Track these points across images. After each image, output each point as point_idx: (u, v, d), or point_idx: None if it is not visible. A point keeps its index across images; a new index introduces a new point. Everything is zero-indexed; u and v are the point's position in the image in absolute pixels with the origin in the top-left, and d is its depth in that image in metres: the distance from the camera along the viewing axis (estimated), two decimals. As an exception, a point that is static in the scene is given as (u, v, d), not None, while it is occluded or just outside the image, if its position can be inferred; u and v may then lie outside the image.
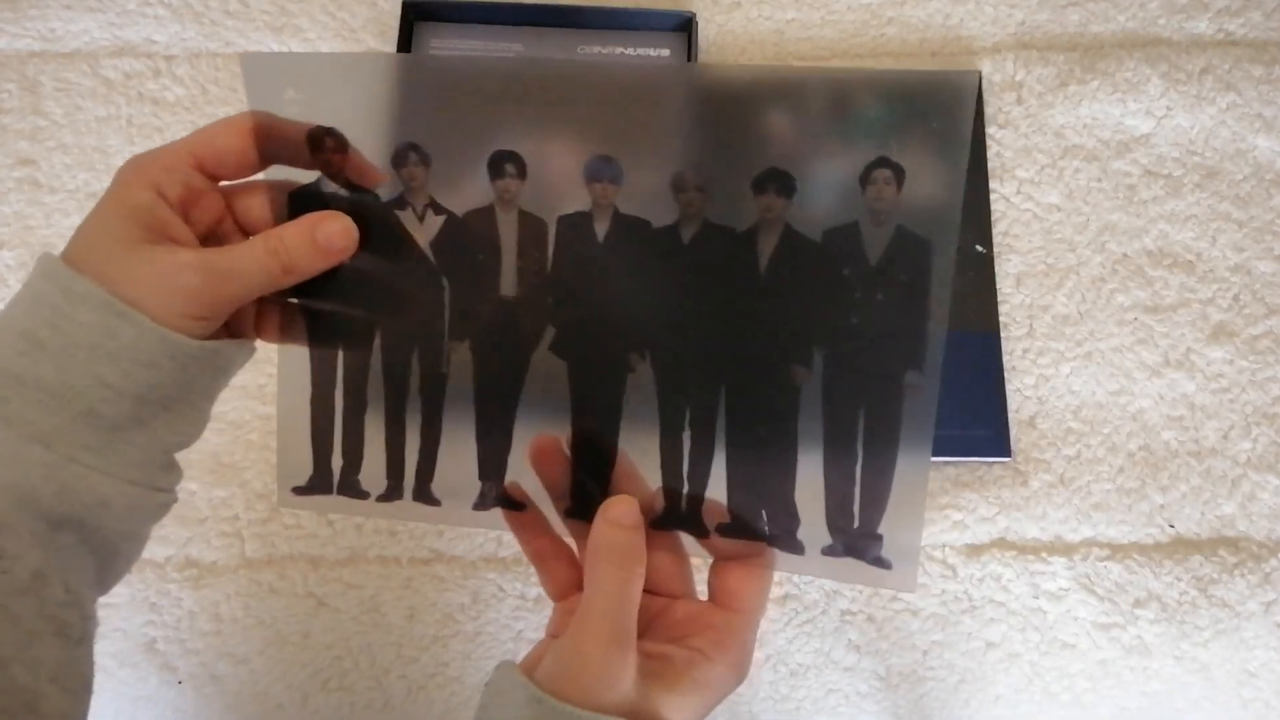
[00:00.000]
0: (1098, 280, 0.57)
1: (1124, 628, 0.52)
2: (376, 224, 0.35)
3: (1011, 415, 0.54)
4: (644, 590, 0.34)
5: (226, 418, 0.55)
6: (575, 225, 0.35)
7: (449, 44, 0.61)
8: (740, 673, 0.36)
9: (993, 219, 0.58)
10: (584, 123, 0.34)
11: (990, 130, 0.59)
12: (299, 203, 0.35)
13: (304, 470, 0.38)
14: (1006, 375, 0.55)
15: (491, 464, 0.37)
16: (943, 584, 0.52)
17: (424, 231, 0.36)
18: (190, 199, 0.34)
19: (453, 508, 0.38)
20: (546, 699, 0.31)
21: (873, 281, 0.33)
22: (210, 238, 0.35)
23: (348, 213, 0.35)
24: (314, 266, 0.35)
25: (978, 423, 0.54)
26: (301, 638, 0.52)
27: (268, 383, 0.56)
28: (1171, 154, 0.59)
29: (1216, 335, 0.56)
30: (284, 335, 0.38)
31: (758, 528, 0.36)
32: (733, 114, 0.33)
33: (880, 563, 0.35)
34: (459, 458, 0.37)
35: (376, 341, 0.37)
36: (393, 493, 0.38)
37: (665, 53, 0.60)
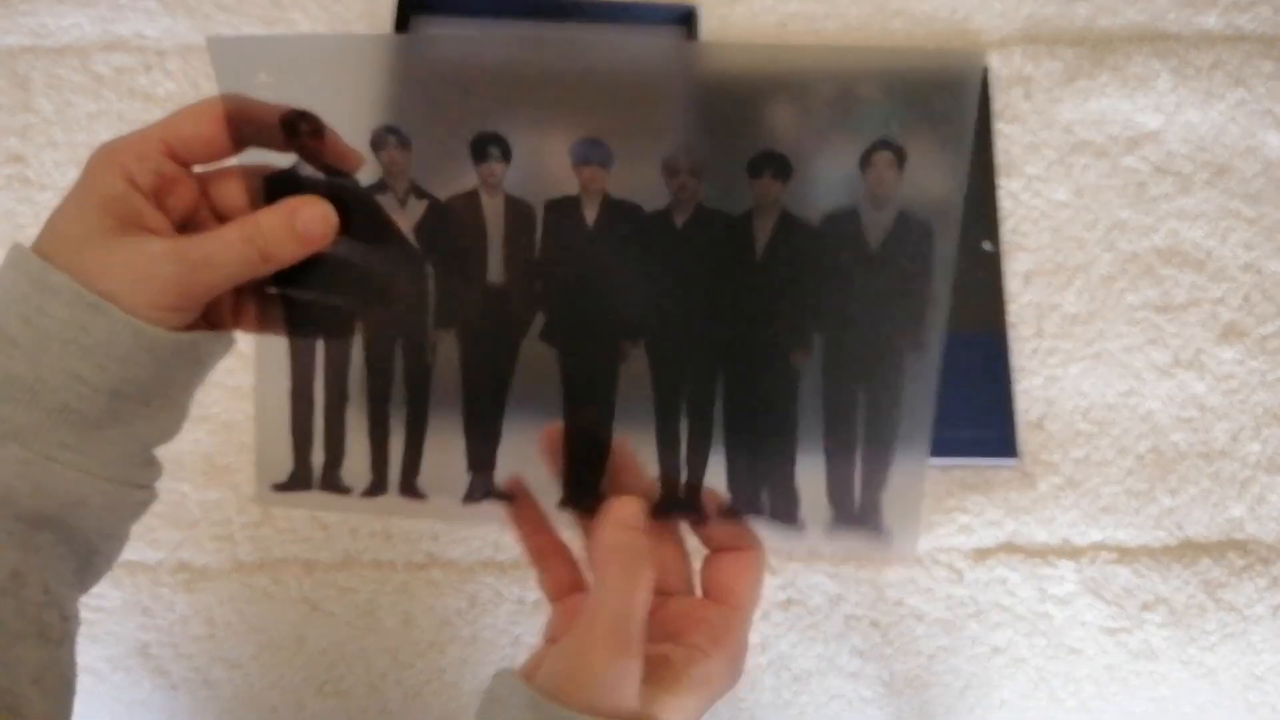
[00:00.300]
0: (1107, 279, 0.56)
1: (1131, 632, 0.51)
2: (357, 209, 0.34)
3: (1019, 416, 0.54)
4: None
5: (218, 419, 0.54)
6: (563, 210, 0.34)
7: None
8: (737, 668, 0.35)
9: (1000, 216, 0.57)
10: (571, 104, 0.34)
11: (998, 126, 0.59)
12: (275, 188, 0.35)
13: (284, 466, 0.37)
14: (1014, 375, 0.54)
15: (480, 456, 0.36)
16: (948, 588, 0.52)
17: (406, 217, 0.35)
18: (163, 186, 0.33)
19: (441, 502, 0.37)
20: (548, 705, 0.31)
21: (873, 266, 0.32)
22: (186, 225, 0.34)
23: (327, 198, 0.34)
24: (292, 254, 0.34)
25: (984, 424, 0.53)
26: (296, 642, 0.51)
27: (262, 383, 0.55)
28: (1181, 150, 0.58)
29: (1227, 335, 0.55)
30: (262, 325, 0.37)
31: (758, 509, 0.35)
32: (727, 96, 0.33)
33: (880, 533, 0.35)
34: (446, 451, 0.36)
35: (358, 331, 0.36)
36: (377, 487, 0.37)
37: (665, 46, 0.59)
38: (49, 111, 0.60)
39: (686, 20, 0.59)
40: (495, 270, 0.35)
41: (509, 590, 0.52)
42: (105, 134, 0.59)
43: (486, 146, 0.33)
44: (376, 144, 0.34)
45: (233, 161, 0.35)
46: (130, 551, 0.37)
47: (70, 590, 0.33)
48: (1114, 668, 0.51)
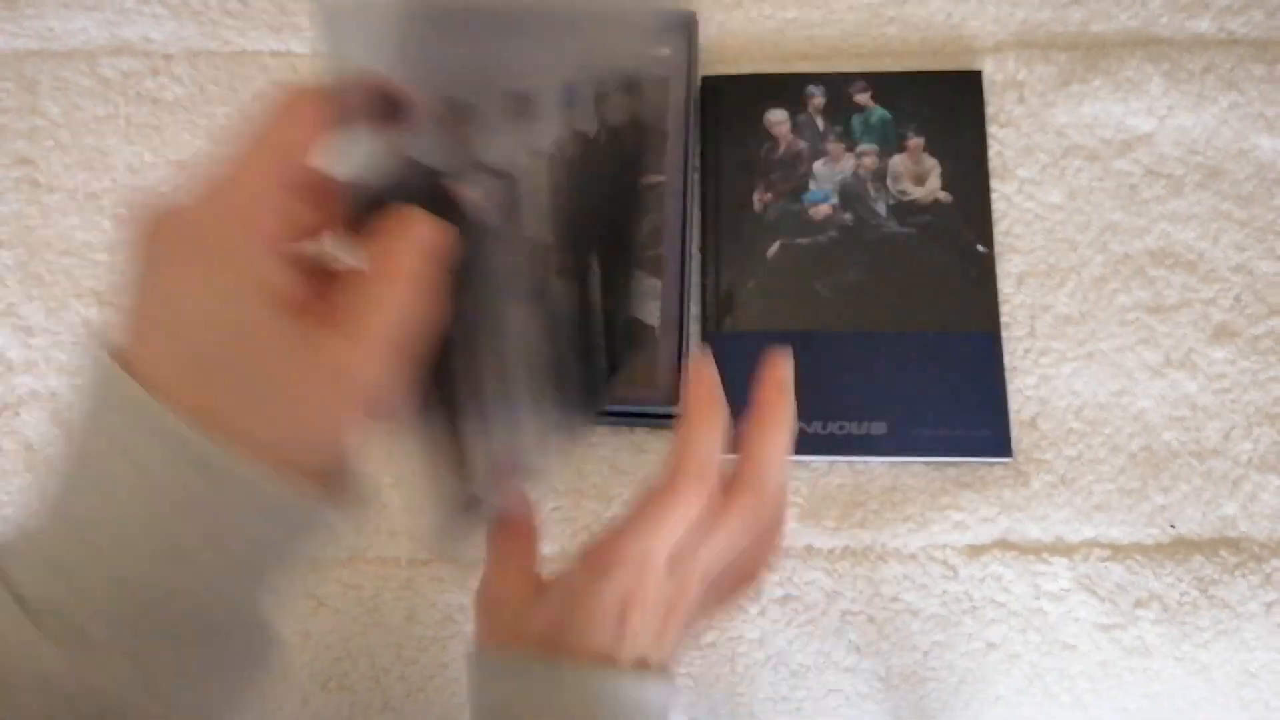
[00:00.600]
0: (1099, 280, 0.57)
1: (1125, 628, 0.52)
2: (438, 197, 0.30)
3: (1012, 415, 0.54)
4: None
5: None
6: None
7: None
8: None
9: (994, 218, 0.58)
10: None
11: (991, 129, 0.59)
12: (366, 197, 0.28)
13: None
14: (1007, 375, 0.55)
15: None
16: (943, 584, 0.52)
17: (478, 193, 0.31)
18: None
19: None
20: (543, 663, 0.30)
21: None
22: None
23: (414, 191, 0.28)
24: (435, 280, 0.26)
25: (978, 423, 0.53)
26: (301, 638, 0.52)
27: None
28: (1173, 153, 0.59)
29: (1218, 335, 0.56)
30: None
31: None
32: None
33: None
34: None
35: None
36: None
37: (665, 51, 0.60)
38: (56, 114, 0.61)
39: (685, 26, 0.60)
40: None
41: (510, 587, 0.53)
42: (112, 138, 0.60)
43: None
44: (439, 117, 0.30)
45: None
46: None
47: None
48: (1108, 664, 0.51)
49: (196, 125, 0.61)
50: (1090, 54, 0.61)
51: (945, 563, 0.53)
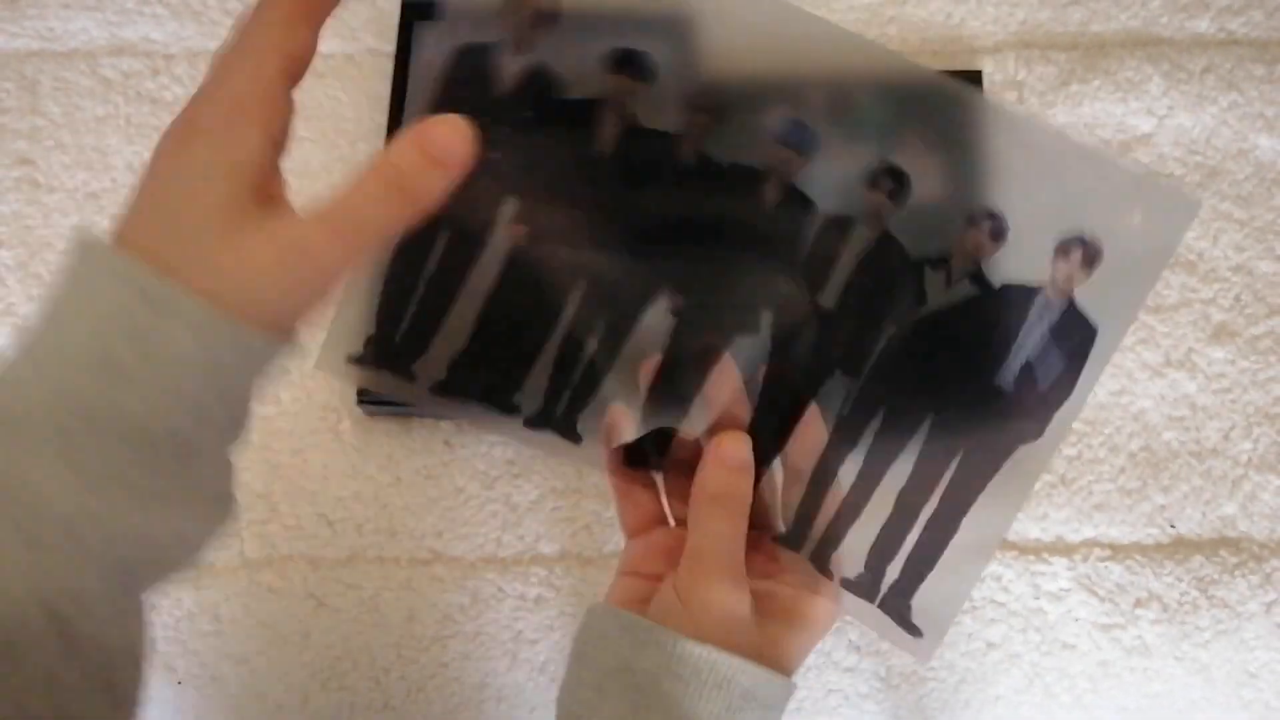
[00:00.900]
0: (1099, 280, 0.57)
1: (1125, 628, 0.52)
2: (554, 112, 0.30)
3: (1012, 415, 0.54)
4: None
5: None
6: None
7: (449, 45, 0.60)
8: (838, 608, 0.35)
9: (994, 218, 0.58)
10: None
11: (991, 129, 0.59)
12: (466, 63, 0.29)
13: (359, 340, 0.35)
14: (1007, 375, 0.55)
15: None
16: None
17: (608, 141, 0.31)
18: (287, 130, 0.27)
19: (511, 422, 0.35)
20: (686, 642, 0.30)
21: (1042, 344, 0.32)
22: None
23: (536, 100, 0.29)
24: (437, 186, 0.27)
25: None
26: (301, 638, 0.52)
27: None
28: (1173, 153, 0.59)
29: (1218, 335, 0.56)
30: (405, 243, 0.33)
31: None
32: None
33: (908, 626, 0.34)
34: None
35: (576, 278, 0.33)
36: (541, 418, 0.35)
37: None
38: (57, 115, 0.61)
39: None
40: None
41: (511, 586, 0.53)
42: (113, 138, 0.60)
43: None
44: (615, 64, 0.30)
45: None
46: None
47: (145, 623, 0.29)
48: (1108, 663, 0.51)
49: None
50: (1090, 54, 0.61)
51: (945, 562, 0.53)
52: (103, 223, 0.58)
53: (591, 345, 0.34)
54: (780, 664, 0.33)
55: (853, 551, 0.34)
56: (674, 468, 0.36)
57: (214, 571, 0.53)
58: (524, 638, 0.52)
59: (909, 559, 0.34)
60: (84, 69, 0.62)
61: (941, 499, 0.33)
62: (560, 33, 0.31)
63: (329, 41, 0.62)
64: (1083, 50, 0.61)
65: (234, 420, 0.28)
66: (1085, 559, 0.52)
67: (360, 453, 0.54)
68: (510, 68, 0.31)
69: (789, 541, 0.36)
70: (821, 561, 0.35)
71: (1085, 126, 0.59)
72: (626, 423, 0.35)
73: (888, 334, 0.33)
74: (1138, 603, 0.52)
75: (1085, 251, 0.31)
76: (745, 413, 0.34)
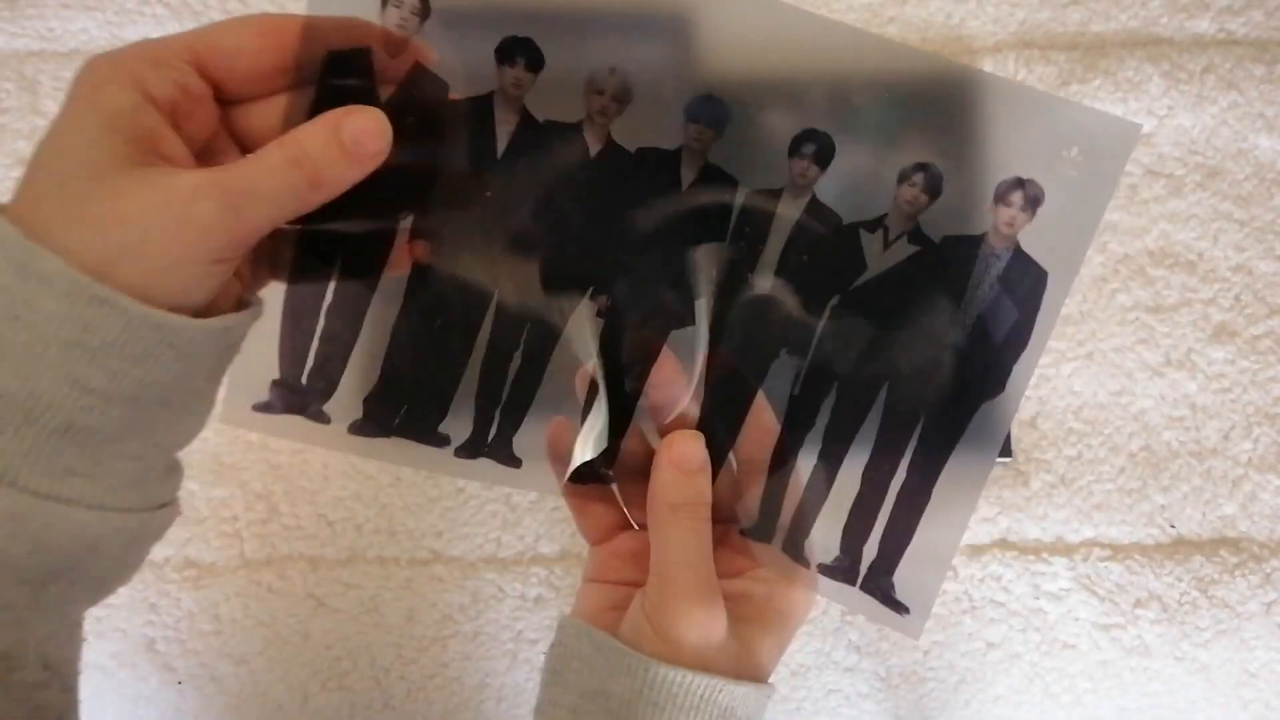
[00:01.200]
0: (1099, 280, 0.57)
1: (1124, 628, 0.52)
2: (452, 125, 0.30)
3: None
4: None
5: (226, 418, 0.55)
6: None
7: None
8: (812, 595, 0.33)
9: (994, 218, 0.58)
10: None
11: (991, 129, 0.59)
12: (338, 68, 0.28)
13: (264, 386, 0.33)
14: (1007, 375, 0.55)
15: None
16: (943, 584, 0.52)
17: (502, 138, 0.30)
18: (183, 107, 0.26)
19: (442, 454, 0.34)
20: (659, 667, 0.29)
21: (975, 300, 0.31)
22: (199, 158, 0.28)
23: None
24: (344, 175, 0.27)
25: (979, 423, 0.53)
26: (301, 638, 0.52)
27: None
28: (1173, 153, 0.59)
29: (1218, 335, 0.56)
30: (299, 275, 0.31)
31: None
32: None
33: (893, 604, 0.33)
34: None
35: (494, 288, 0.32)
36: (473, 446, 0.33)
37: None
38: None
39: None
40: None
41: (511, 586, 0.53)
42: (113, 138, 0.60)
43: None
44: (503, 55, 0.30)
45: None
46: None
47: (76, 640, 0.29)
48: (1108, 663, 0.51)
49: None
50: (1090, 54, 0.61)
51: (945, 562, 0.53)
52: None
53: (516, 361, 0.33)
54: (757, 669, 0.32)
55: (826, 536, 0.33)
56: (625, 476, 0.34)
57: (214, 571, 0.53)
58: (524, 638, 0.52)
59: (884, 535, 0.32)
60: (84, 69, 0.62)
61: (909, 469, 0.32)
62: (444, 29, 0.30)
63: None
64: (1083, 50, 0.61)
65: (151, 404, 0.26)
66: (1085, 559, 0.52)
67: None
68: (390, 71, 0.30)
69: (758, 534, 0.34)
70: (795, 550, 0.34)
71: (1085, 126, 0.59)
72: (569, 435, 0.33)
73: (830, 306, 0.32)
74: (1138, 603, 0.52)
75: (1025, 193, 0.30)
76: (694, 408, 0.32)
